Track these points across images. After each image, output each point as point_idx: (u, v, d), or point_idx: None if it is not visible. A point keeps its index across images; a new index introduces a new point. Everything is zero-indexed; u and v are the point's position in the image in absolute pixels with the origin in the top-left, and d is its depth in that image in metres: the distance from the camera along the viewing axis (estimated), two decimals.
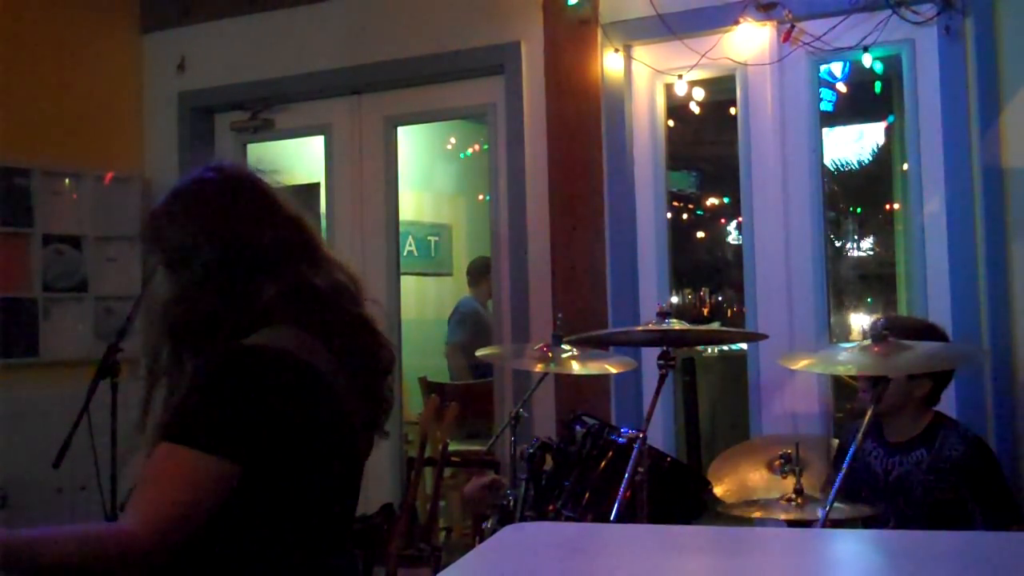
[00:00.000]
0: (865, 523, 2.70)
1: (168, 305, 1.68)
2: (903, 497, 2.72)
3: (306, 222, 1.76)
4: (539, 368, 3.04)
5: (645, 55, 3.85)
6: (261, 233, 1.68)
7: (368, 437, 1.77)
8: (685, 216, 6.95)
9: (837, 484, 2.32)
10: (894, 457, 2.78)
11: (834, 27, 3.48)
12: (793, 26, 3.55)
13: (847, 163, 6.82)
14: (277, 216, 1.72)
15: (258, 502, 1.58)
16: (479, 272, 5.97)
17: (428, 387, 5.38)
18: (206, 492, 1.52)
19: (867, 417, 2.44)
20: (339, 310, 1.70)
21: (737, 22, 3.62)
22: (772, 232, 3.67)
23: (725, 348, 5.60)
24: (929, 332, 2.76)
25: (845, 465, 2.34)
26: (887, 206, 5.82)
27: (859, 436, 2.38)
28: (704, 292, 6.94)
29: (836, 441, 3.13)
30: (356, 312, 1.74)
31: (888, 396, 2.58)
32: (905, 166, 3.72)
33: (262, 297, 1.65)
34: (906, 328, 2.63)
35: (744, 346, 4.13)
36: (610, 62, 3.83)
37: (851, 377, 3.20)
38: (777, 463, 2.94)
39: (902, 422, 2.79)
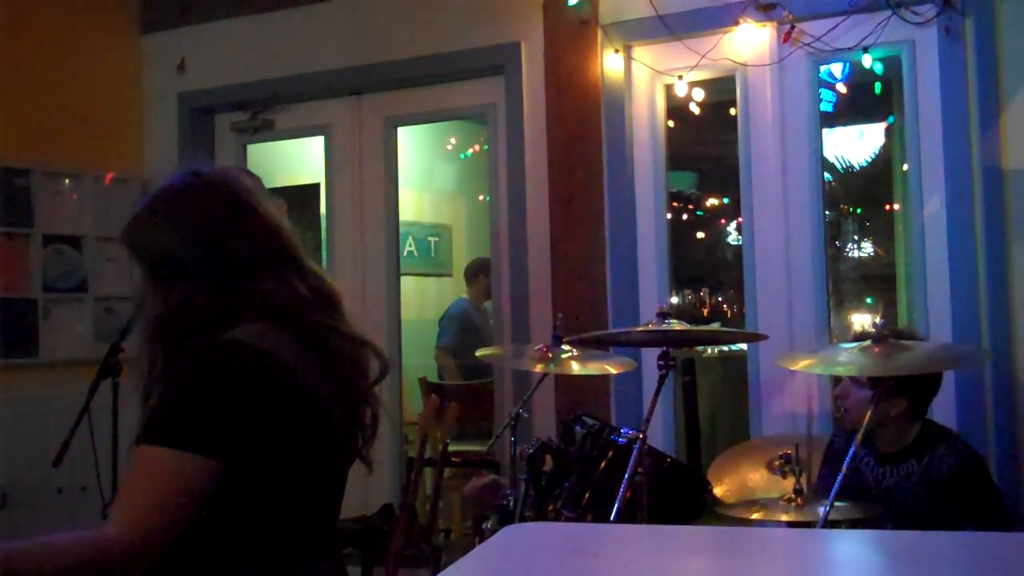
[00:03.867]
0: (867, 524, 2.70)
1: (150, 312, 1.69)
2: (895, 508, 2.69)
3: (284, 229, 1.75)
4: (539, 368, 3.04)
5: (645, 55, 3.86)
6: (238, 240, 1.68)
7: (351, 441, 1.76)
8: (685, 216, 6.95)
9: (837, 485, 2.32)
10: (884, 467, 2.75)
11: (834, 28, 3.48)
12: (793, 27, 3.55)
13: (847, 163, 6.82)
14: (255, 223, 1.71)
15: (238, 502, 1.58)
16: (472, 272, 5.99)
17: (428, 387, 5.38)
18: (187, 491, 1.52)
19: (865, 419, 2.43)
20: (314, 314, 1.70)
21: (737, 23, 3.62)
22: (772, 232, 3.67)
23: (725, 348, 5.60)
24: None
25: (845, 465, 2.34)
26: (887, 206, 5.81)
27: (859, 436, 2.38)
28: (704, 292, 6.94)
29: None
30: (332, 319, 1.73)
31: (861, 418, 2.53)
32: (905, 166, 3.73)
33: (239, 302, 1.66)
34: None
35: (744, 346, 4.13)
36: (610, 62, 3.84)
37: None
38: (777, 463, 2.94)
39: (888, 434, 2.76)
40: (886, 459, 2.76)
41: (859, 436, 2.38)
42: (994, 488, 2.73)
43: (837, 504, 2.34)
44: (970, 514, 2.61)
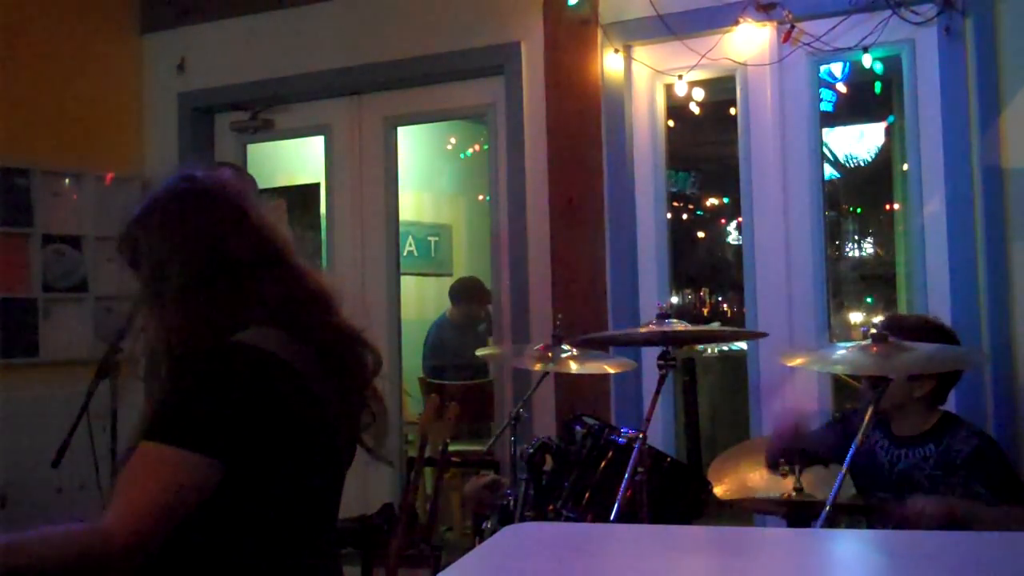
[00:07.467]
0: (870, 523, 2.69)
1: (146, 319, 1.70)
2: (908, 490, 2.68)
3: (278, 231, 1.75)
4: (539, 368, 3.04)
5: (645, 55, 3.85)
6: (231, 243, 1.69)
7: (351, 442, 1.77)
8: (685, 216, 6.96)
9: (838, 483, 2.31)
10: (900, 450, 2.73)
11: (834, 27, 3.48)
12: (793, 26, 3.54)
13: (847, 163, 6.83)
14: (247, 226, 1.72)
15: (238, 501, 1.58)
16: (454, 294, 5.93)
17: (428, 387, 5.38)
18: (185, 489, 1.53)
19: (866, 418, 2.43)
20: (314, 316, 1.70)
21: (737, 22, 3.62)
22: (772, 232, 3.67)
23: (725, 348, 5.61)
24: (936, 331, 2.73)
25: (845, 465, 2.33)
26: (887, 206, 5.82)
27: (859, 437, 2.37)
28: (704, 292, 6.95)
29: (838, 415, 3.10)
30: (331, 318, 1.74)
31: (888, 395, 2.55)
32: (905, 166, 3.73)
33: (239, 306, 1.66)
34: (910, 327, 2.61)
35: (744, 346, 4.13)
36: (610, 62, 3.83)
37: (853, 377, 3.19)
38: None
39: (908, 419, 2.74)
40: (902, 442, 2.73)
41: (859, 438, 2.36)
42: (1012, 467, 2.72)
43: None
44: (992, 493, 2.59)
